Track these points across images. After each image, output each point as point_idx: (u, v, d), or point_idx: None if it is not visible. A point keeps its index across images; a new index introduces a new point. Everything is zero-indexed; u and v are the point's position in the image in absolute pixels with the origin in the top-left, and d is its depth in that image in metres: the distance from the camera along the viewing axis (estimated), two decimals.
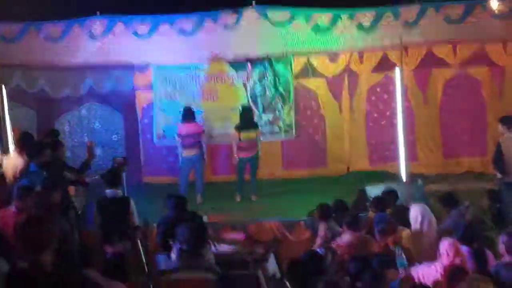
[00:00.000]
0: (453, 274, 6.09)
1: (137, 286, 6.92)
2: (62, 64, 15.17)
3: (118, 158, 10.69)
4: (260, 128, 14.66)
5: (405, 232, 8.71)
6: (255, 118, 14.79)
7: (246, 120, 14.32)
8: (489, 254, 7.23)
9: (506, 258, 6.92)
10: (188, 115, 14.15)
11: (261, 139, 14.63)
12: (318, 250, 8.31)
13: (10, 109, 14.05)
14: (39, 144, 10.40)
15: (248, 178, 14.37)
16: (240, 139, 14.13)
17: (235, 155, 14.25)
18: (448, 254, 7.25)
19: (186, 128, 14.05)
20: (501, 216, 10.68)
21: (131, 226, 9.14)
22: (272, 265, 9.17)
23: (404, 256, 7.48)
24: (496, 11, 14.96)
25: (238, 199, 14.12)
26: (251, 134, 14.24)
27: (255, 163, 14.34)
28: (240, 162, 14.28)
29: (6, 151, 12.05)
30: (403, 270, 7.23)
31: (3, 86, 13.96)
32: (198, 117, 14.59)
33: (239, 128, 14.19)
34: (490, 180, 12.87)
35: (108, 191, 9.37)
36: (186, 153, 14.07)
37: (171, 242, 7.85)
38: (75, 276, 5.61)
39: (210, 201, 13.39)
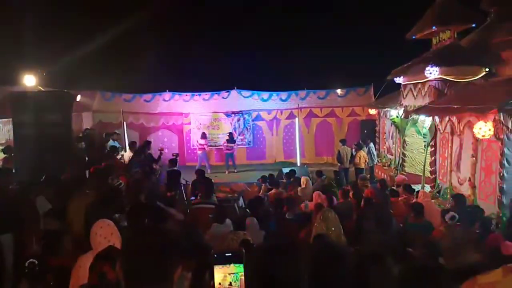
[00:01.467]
0: (317, 207, 6.13)
1: (181, 210, 6.83)
2: (150, 112, 15.08)
3: (175, 153, 10.54)
4: (236, 142, 14.62)
5: (299, 188, 8.77)
6: (234, 137, 14.74)
7: (231, 138, 14.30)
8: (334, 198, 7.30)
9: (341, 200, 7.02)
10: (204, 136, 14.13)
11: (235, 146, 14.64)
12: (261, 196, 8.33)
13: (127, 131, 13.96)
14: (138, 150, 10.24)
15: (231, 163, 14.31)
16: (227, 146, 14.21)
17: (224, 151, 14.39)
18: (316, 198, 7.35)
19: (203, 141, 14.02)
20: (339, 182, 10.83)
21: (180, 183, 9.06)
22: (241, 202, 9.12)
23: (307, 202, 7.54)
24: (339, 94, 15.29)
25: (226, 172, 13.97)
26: (232, 144, 14.26)
27: (233, 156, 14.33)
28: (227, 155, 14.30)
29: (125, 150, 11.93)
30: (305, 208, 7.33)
31: (124, 122, 13.83)
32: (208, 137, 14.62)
33: (228, 141, 14.22)
34: (335, 166, 12.98)
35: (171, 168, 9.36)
36: (200, 152, 14.05)
37: (196, 191, 7.80)
38: (153, 204, 5.59)
39: (214, 173, 13.27)
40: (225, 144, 14.31)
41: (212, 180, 8.41)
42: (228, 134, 14.51)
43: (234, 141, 14.41)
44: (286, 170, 11.22)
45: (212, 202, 6.71)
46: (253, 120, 15.40)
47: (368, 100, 15.01)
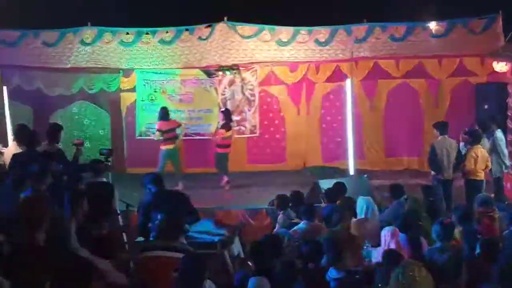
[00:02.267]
0: (391, 258, 6.12)
1: (118, 263, 6.89)
2: (56, 66, 15.13)
3: (105, 149, 10.54)
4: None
5: (354, 221, 8.73)
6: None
7: (228, 118, 14.42)
8: (423, 240, 7.30)
9: (438, 244, 7.01)
10: (166, 114, 14.17)
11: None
12: (277, 234, 8.32)
13: (10, 105, 14.01)
14: (35, 135, 10.23)
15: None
16: (223, 137, 14.27)
17: (217, 149, 14.44)
18: (387, 240, 7.34)
19: (166, 125, 14.06)
20: (434, 208, 10.78)
21: (114, 209, 9.06)
22: (237, 247, 9.17)
23: (370, 248, 7.55)
24: (433, 32, 15.20)
25: (222, 183, 14.11)
26: (229, 132, 14.38)
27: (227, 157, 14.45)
28: (219, 156, 14.37)
29: (5, 143, 11.92)
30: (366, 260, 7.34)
31: (4, 87, 13.89)
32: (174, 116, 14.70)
33: (225, 126, 14.29)
34: (425, 177, 12.98)
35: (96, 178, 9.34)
36: (165, 147, 14.05)
37: (150, 225, 7.81)
38: (66, 253, 5.60)
39: (186, 190, 13.24)
40: (221, 134, 14.28)
41: (185, 196, 8.38)
42: (222, 111, 14.59)
43: (230, 126, 14.51)
44: (326, 184, 11.20)
45: (179, 246, 6.73)
46: (260, 84, 15.40)
47: (491, 44, 14.85)
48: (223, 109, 14.69)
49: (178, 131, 14.39)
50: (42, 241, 5.72)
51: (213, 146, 14.56)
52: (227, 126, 14.23)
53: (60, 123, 12.08)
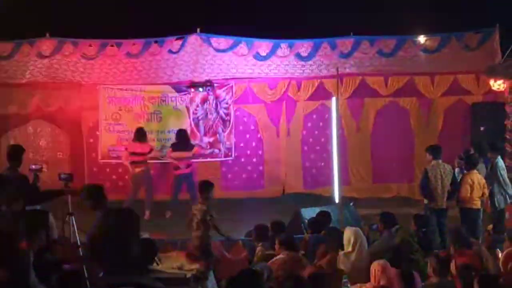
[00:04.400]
0: None
1: None
2: (10, 81, 14.95)
3: (65, 173, 10.43)
4: (195, 148, 14.65)
5: (341, 253, 8.66)
6: (194, 140, 14.86)
7: (182, 140, 14.41)
8: (417, 277, 7.32)
9: (434, 279, 7.06)
10: (143, 135, 14.17)
11: (201, 159, 14.74)
12: (255, 268, 8.30)
13: None
14: None
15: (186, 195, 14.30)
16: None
17: (174, 172, 14.44)
18: (377, 275, 7.35)
19: (139, 147, 14.04)
20: (427, 240, 10.84)
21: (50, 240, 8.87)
22: (211, 282, 9.10)
23: (349, 285, 7.57)
24: (425, 46, 15.32)
25: (167, 215, 14.02)
26: (184, 152, 14.30)
27: (190, 180, 14.37)
28: (178, 179, 14.42)
29: None
30: None
31: None
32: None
33: (177, 146, 14.32)
34: (416, 205, 13.04)
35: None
36: (137, 170, 14.03)
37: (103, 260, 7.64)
38: None
39: (153, 218, 13.22)
40: (172, 155, 14.36)
41: (146, 235, 8.23)
42: (177, 132, 14.63)
43: (191, 146, 14.53)
44: (309, 212, 11.25)
45: (149, 283, 6.69)
46: (236, 102, 15.46)
47: (488, 60, 14.95)
48: (176, 131, 14.73)
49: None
50: (2, 278, 5.69)
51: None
52: (178, 146, 14.30)
53: (20, 145, 12.01)
